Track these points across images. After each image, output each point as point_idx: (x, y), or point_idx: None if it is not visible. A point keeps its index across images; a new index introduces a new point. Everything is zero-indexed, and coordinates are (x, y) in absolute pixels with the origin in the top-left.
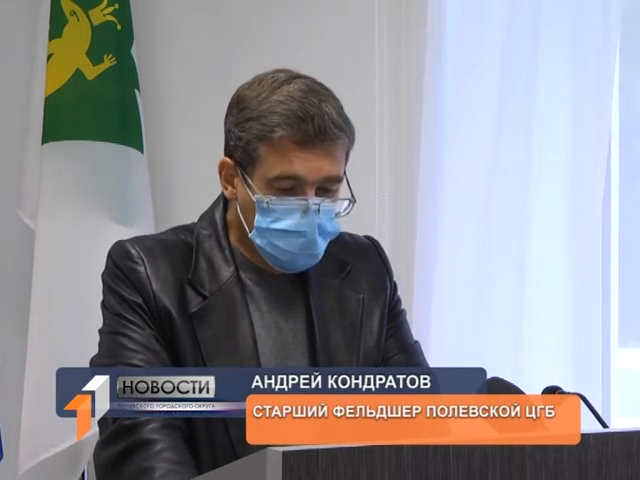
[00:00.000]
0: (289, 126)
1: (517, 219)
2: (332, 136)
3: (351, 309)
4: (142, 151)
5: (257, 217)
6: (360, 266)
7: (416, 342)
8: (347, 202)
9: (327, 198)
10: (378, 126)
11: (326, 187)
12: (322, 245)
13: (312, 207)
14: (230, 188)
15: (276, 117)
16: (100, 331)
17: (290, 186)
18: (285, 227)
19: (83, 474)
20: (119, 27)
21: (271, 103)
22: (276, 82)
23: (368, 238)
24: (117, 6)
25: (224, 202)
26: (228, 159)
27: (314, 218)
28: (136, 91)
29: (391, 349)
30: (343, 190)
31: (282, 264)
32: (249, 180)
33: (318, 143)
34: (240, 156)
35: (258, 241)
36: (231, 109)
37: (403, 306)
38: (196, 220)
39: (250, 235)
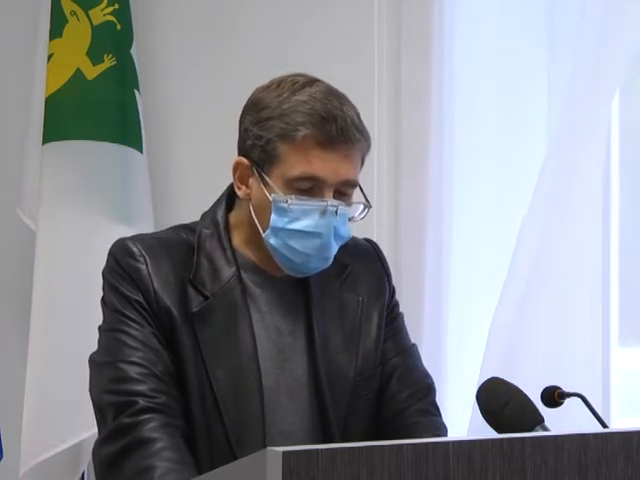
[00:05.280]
0: (313, 125)
1: (517, 218)
2: (353, 139)
3: (350, 312)
4: (142, 151)
5: (273, 217)
6: (359, 269)
7: (413, 345)
8: (362, 207)
9: (343, 201)
10: (377, 126)
11: (343, 190)
12: (335, 248)
13: (330, 209)
14: (244, 188)
15: (300, 116)
16: (100, 328)
17: (309, 187)
18: (302, 228)
19: (83, 474)
20: (119, 27)
21: (293, 102)
22: (297, 84)
23: (368, 241)
24: (117, 6)
25: (227, 202)
26: (244, 159)
27: (331, 220)
28: (136, 91)
29: (389, 351)
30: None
31: (294, 266)
32: (267, 179)
33: (339, 145)
34: (258, 155)
35: (272, 241)
36: (248, 110)
37: (401, 309)
38: (196, 220)
39: (264, 235)
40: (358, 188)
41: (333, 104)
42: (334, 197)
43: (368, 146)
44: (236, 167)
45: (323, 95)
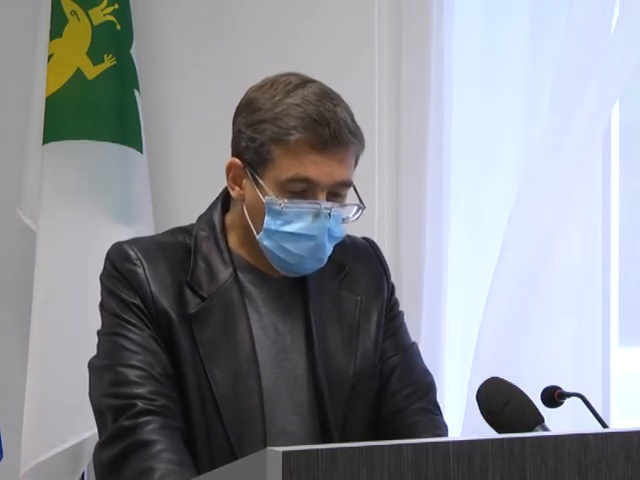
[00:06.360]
0: (305, 129)
1: (517, 218)
2: (346, 141)
3: (349, 311)
4: (141, 151)
5: (267, 219)
6: (358, 268)
7: (413, 343)
8: (356, 208)
9: (336, 203)
10: (378, 126)
11: (336, 192)
12: (329, 249)
13: (324, 211)
14: (237, 189)
15: (292, 120)
16: (99, 333)
17: (302, 189)
18: (296, 230)
19: (83, 474)
20: (119, 27)
21: (287, 105)
22: (290, 85)
23: (366, 240)
24: (117, 6)
25: (223, 204)
26: (237, 160)
27: (325, 222)
28: (135, 91)
29: (388, 350)
30: (349, 196)
31: (289, 267)
32: (260, 181)
33: (333, 147)
34: (252, 157)
35: (266, 243)
36: (241, 110)
37: (400, 308)
38: (195, 221)
39: (258, 237)
40: (352, 189)
41: (326, 107)
42: (327, 198)
43: (362, 147)
44: (229, 168)
45: (316, 97)
